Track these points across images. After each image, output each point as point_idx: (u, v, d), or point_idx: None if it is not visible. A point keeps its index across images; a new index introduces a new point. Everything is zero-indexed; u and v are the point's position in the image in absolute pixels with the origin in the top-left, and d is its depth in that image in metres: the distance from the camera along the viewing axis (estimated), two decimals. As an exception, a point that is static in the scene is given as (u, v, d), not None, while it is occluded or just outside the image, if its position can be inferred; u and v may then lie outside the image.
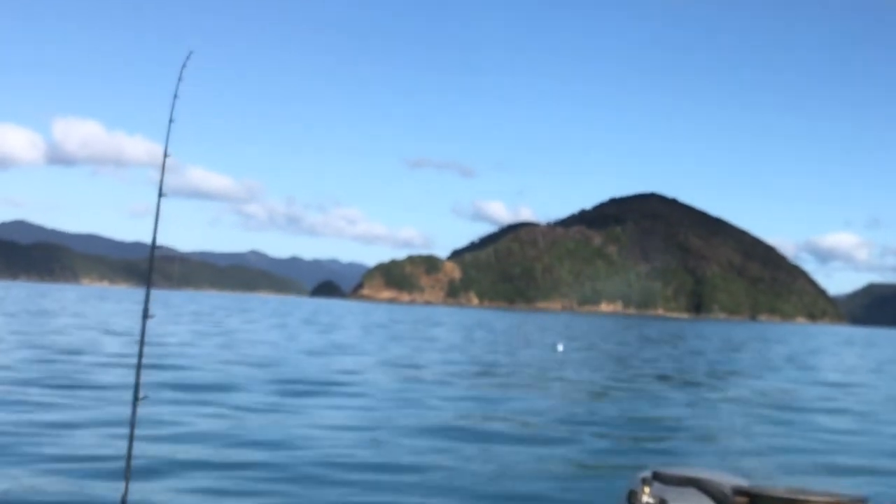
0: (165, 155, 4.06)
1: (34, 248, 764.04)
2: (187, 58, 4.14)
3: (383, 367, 23.39)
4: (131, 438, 3.99)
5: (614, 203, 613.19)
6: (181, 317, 52.89)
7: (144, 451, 6.34)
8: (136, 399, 4.03)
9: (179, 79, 4.13)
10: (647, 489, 2.51)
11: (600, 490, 8.17)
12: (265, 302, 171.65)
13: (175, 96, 4.15)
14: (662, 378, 24.21)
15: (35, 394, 13.97)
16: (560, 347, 38.58)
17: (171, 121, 4.16)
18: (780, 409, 17.01)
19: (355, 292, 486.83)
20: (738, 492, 2.54)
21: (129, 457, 4.00)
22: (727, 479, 2.66)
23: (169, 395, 13.70)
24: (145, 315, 3.94)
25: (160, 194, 4.02)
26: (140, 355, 3.98)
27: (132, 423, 4.02)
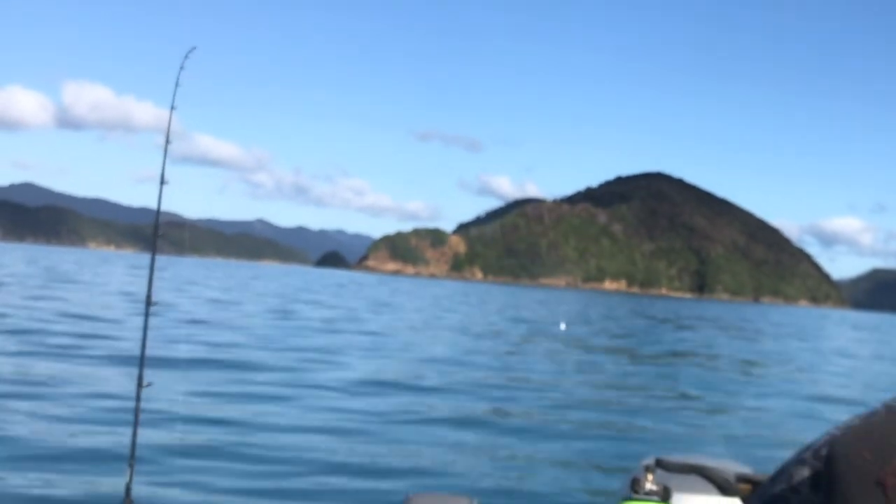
0: (167, 141, 3.98)
1: (41, 210, 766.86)
2: (189, 52, 4.03)
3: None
4: (136, 425, 3.93)
5: (620, 181, 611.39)
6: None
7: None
8: (139, 386, 3.98)
9: (181, 68, 4.04)
10: (650, 476, 2.51)
11: (603, 478, 8.14)
12: (288, 273, 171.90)
13: (176, 84, 4.06)
14: (666, 360, 24.18)
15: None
16: (563, 326, 38.55)
17: (172, 107, 4.06)
18: (791, 396, 16.89)
19: (360, 263, 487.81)
20: (742, 479, 2.53)
21: (133, 444, 3.95)
22: (730, 467, 2.66)
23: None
24: (148, 302, 3.87)
25: (162, 181, 3.93)
26: (144, 341, 3.92)
27: (136, 411, 3.97)
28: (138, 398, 3.99)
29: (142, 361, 3.94)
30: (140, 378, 3.96)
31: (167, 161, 3.97)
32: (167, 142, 3.97)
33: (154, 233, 3.96)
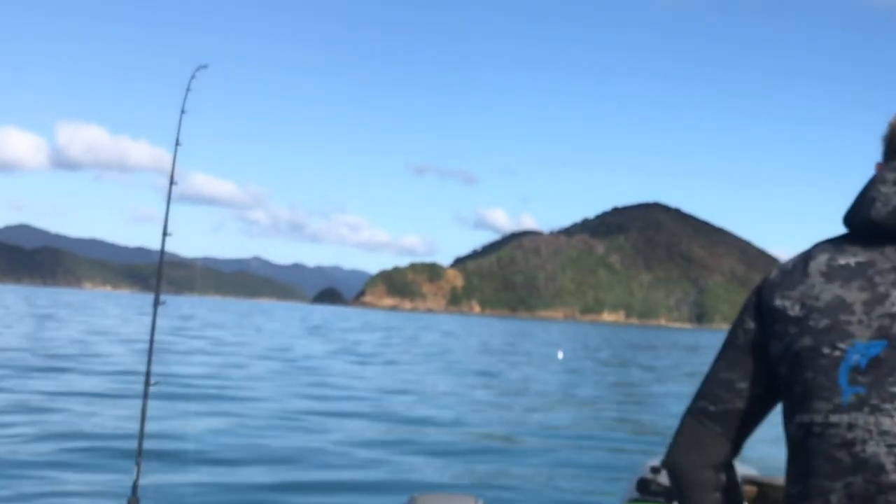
0: (171, 182, 3.96)
1: (38, 252, 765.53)
2: (196, 70, 3.90)
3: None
4: (142, 424, 4.05)
5: (617, 212, 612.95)
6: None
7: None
8: (147, 384, 4.11)
9: (188, 89, 3.86)
10: (657, 477, 2.51)
11: (609, 478, 8.20)
12: (292, 310, 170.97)
13: (182, 111, 3.92)
14: (668, 375, 24.24)
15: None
16: (560, 355, 38.64)
17: (177, 143, 3.91)
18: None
19: (357, 299, 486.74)
20: (747, 481, 2.51)
21: (140, 442, 4.06)
22: (736, 469, 2.65)
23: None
24: (156, 302, 4.04)
25: (165, 233, 3.98)
26: (151, 340, 4.07)
27: (143, 409, 4.09)
28: (146, 396, 4.14)
29: (149, 360, 4.09)
30: (147, 377, 4.11)
31: (170, 205, 4.00)
32: (171, 182, 3.95)
33: (158, 272, 4.11)
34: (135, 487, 4.24)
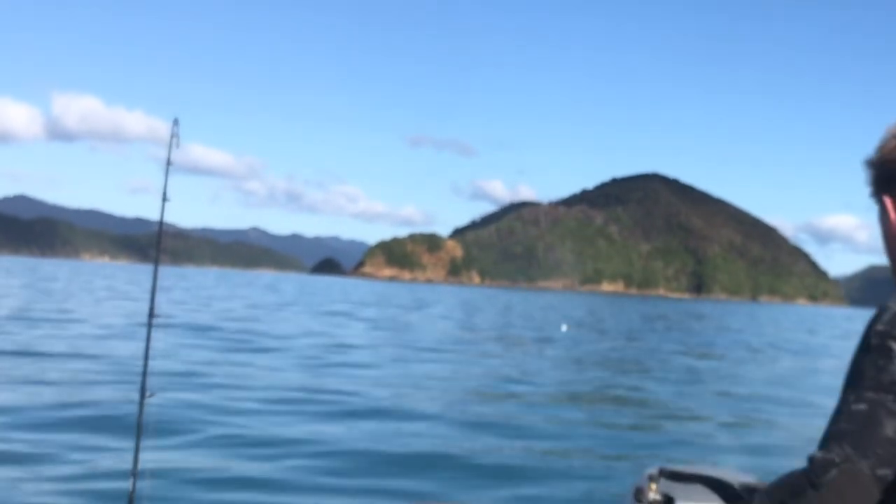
0: (168, 163, 3.99)
1: (35, 222, 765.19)
2: (174, 126, 3.92)
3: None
4: (139, 436, 3.96)
5: (616, 183, 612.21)
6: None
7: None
8: (142, 396, 4.01)
9: (173, 146, 3.93)
10: (653, 486, 2.50)
11: (606, 487, 8.12)
12: (290, 280, 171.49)
13: (168, 163, 3.98)
14: (670, 365, 24.19)
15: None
16: (564, 328, 38.65)
17: (164, 200, 3.97)
18: (794, 404, 16.72)
19: (356, 270, 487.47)
20: (746, 488, 2.54)
21: (136, 454, 3.97)
22: (735, 476, 2.64)
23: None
24: (151, 314, 3.89)
25: (156, 263, 3.93)
26: (147, 351, 3.94)
27: (139, 420, 4.00)
28: (141, 408, 4.02)
29: (145, 371, 3.97)
30: (143, 388, 3.99)
31: (166, 179, 3.99)
32: (168, 163, 3.97)
33: (157, 256, 3.97)
34: (131, 500, 4.14)
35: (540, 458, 9.48)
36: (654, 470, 2.65)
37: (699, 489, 2.57)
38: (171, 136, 3.96)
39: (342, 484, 7.80)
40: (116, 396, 11.39)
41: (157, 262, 3.99)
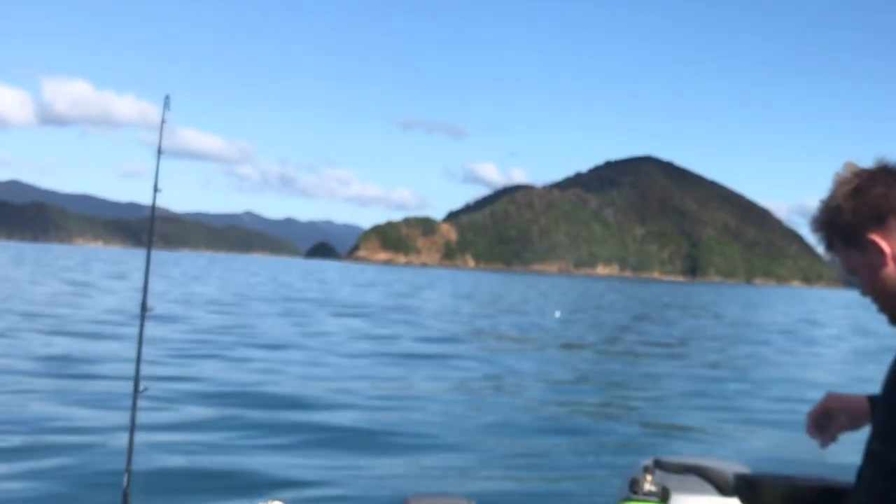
0: (160, 151, 3.90)
1: (28, 207, 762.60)
2: (164, 109, 3.81)
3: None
4: (132, 431, 3.86)
5: (610, 166, 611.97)
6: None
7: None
8: (136, 391, 3.91)
9: (162, 122, 3.82)
10: (648, 477, 2.51)
11: (601, 478, 8.05)
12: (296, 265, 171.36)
13: (159, 151, 3.89)
14: (664, 351, 24.17)
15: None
16: (557, 314, 38.65)
17: (156, 190, 3.89)
18: (791, 392, 16.65)
19: (351, 254, 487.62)
20: (741, 479, 2.56)
21: (130, 449, 3.88)
22: (730, 467, 2.64)
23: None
24: (143, 307, 3.79)
25: (148, 259, 3.86)
26: (139, 346, 3.84)
27: (133, 415, 3.90)
28: (135, 403, 3.91)
29: (138, 365, 3.86)
30: (136, 382, 3.88)
31: (155, 164, 3.88)
32: (159, 152, 3.87)
33: (148, 253, 3.86)
34: (125, 496, 4.06)
35: (533, 448, 9.41)
36: (649, 461, 2.64)
37: (694, 480, 2.59)
38: (162, 122, 3.84)
39: (345, 475, 7.73)
40: (109, 389, 11.31)
41: (148, 258, 3.87)
